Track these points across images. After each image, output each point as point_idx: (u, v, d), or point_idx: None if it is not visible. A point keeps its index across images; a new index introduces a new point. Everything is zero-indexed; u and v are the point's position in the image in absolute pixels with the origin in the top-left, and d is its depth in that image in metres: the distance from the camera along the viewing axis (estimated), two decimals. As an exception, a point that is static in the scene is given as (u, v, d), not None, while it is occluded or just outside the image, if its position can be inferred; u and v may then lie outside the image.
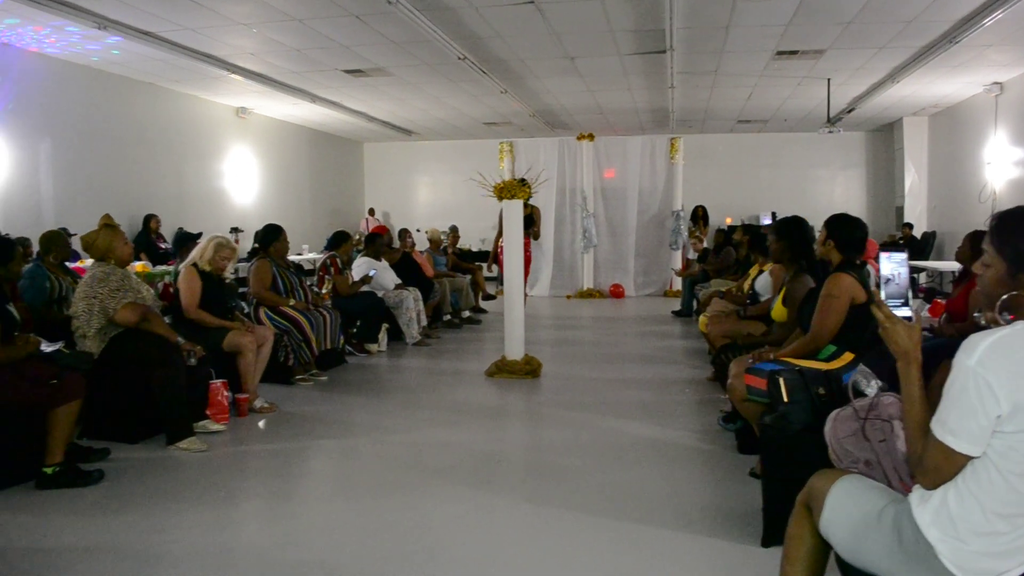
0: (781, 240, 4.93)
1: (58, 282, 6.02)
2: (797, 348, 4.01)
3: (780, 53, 10.14)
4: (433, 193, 19.66)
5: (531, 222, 8.17)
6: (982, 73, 11.52)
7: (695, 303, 11.12)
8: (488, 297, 12.40)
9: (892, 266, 2.21)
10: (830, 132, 12.46)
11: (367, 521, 3.78)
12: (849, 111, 13.93)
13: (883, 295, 2.20)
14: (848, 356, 3.89)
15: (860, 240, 4.04)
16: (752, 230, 7.55)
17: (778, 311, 4.95)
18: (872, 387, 3.43)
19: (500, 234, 8.74)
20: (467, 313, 10.92)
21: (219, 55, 10.19)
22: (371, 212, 18.52)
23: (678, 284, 14.27)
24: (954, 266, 9.40)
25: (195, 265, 5.89)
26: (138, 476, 4.45)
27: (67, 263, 6.52)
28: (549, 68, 11.04)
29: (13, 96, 9.29)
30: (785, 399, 3.45)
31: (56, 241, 6.23)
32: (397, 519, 3.80)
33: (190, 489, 4.25)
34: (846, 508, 2.18)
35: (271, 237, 7.06)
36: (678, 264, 14.28)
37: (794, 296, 4.74)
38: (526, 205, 7.94)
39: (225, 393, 5.48)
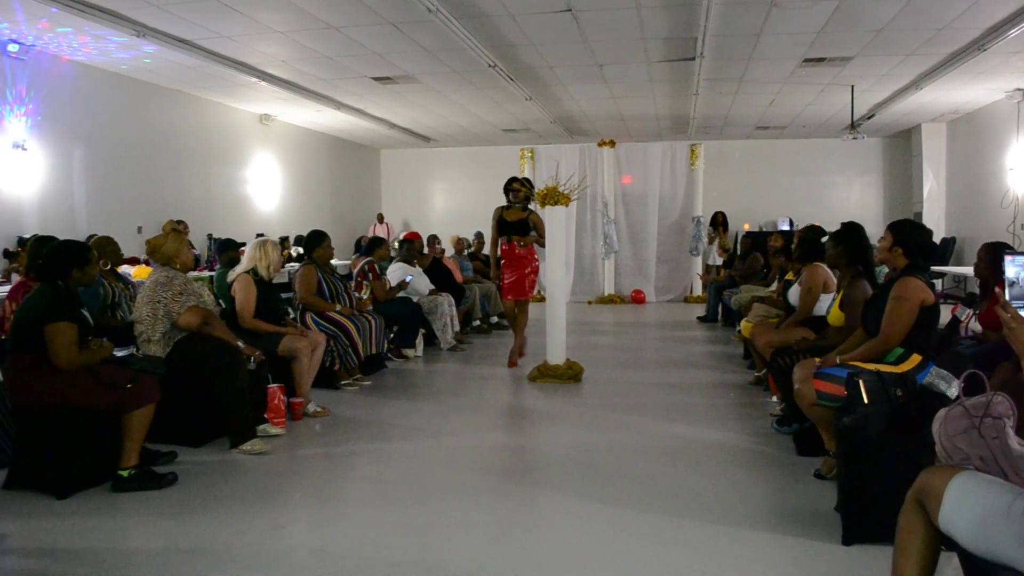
0: (839, 245, 4.99)
1: (111, 288, 6.07)
2: (865, 351, 4.06)
3: (807, 60, 10.20)
4: (450, 199, 19.67)
5: (528, 228, 7.88)
6: (1005, 79, 11.57)
7: (720, 309, 11.20)
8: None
9: (1016, 269, 2.26)
10: (854, 139, 12.53)
11: (449, 521, 3.84)
12: (869, 117, 13.98)
13: (1007, 297, 2.26)
14: (916, 358, 3.95)
15: (928, 246, 4.11)
16: (788, 236, 7.61)
17: (835, 315, 5.01)
18: (953, 389, 3.51)
19: (495, 239, 8.14)
20: (495, 318, 10.99)
21: (250, 62, 10.25)
22: (380, 218, 18.47)
23: (698, 290, 14.36)
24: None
25: (249, 272, 5.94)
26: (209, 478, 4.51)
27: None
28: (576, 75, 11.12)
29: (48, 104, 9.36)
30: (866, 401, 3.51)
31: (108, 246, 6.29)
32: (478, 519, 3.87)
33: (264, 491, 4.31)
34: (968, 503, 2.24)
35: (315, 243, 7.10)
36: (699, 270, 14.38)
37: (852, 300, 4.80)
38: (525, 209, 7.83)
39: (281, 397, 5.54)
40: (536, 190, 7.54)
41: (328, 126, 15.97)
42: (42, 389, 4.13)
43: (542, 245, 7.86)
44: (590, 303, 14.53)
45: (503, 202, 8.01)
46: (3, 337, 5.35)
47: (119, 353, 4.63)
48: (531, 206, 7.89)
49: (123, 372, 4.37)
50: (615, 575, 3.26)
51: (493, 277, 8.53)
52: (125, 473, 4.28)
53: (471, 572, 3.28)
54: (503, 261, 8.03)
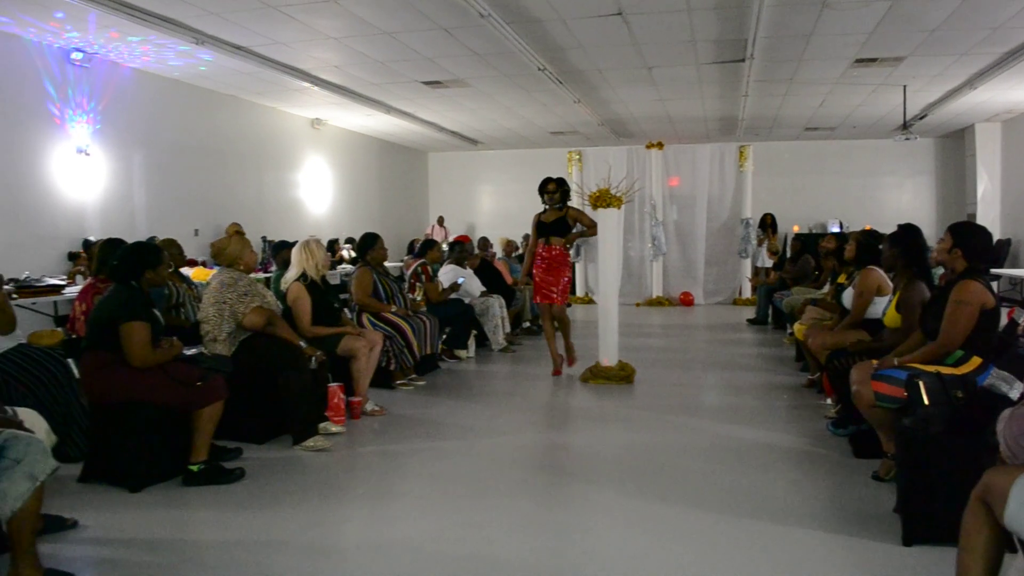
0: (895, 247, 4.97)
1: (175, 289, 6.24)
2: (925, 354, 4.05)
3: (859, 61, 10.13)
4: (497, 202, 19.80)
5: (566, 227, 7.52)
6: (1061, 78, 11.40)
7: (771, 311, 11.15)
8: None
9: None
10: (906, 139, 12.39)
11: (509, 518, 3.92)
12: (921, 117, 13.82)
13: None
14: (976, 360, 3.93)
15: (988, 249, 4.09)
16: (841, 238, 7.59)
17: (891, 317, 5.00)
18: (1016, 389, 3.51)
19: (533, 245, 7.75)
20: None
21: (304, 68, 10.46)
22: (440, 221, 18.61)
23: (747, 292, 14.29)
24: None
25: (300, 278, 6.02)
26: (274, 474, 4.64)
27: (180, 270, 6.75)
28: (625, 78, 11.16)
29: (110, 110, 9.64)
30: (926, 402, 3.52)
31: (172, 248, 6.47)
32: (537, 516, 3.95)
33: (328, 487, 4.43)
34: (1034, 502, 2.27)
35: (368, 245, 7.22)
36: (747, 272, 14.30)
37: (909, 302, 4.79)
38: (564, 206, 7.54)
39: (341, 396, 5.66)
40: (587, 192, 7.52)
41: (378, 130, 16.20)
42: (116, 386, 4.29)
43: (593, 235, 7.54)
44: (638, 305, 14.50)
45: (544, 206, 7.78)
46: (75, 335, 5.56)
47: (187, 352, 4.77)
48: (571, 202, 7.70)
49: (193, 370, 4.51)
50: (673, 574, 3.31)
51: (522, 279, 8.27)
52: (195, 468, 4.43)
53: (535, 568, 3.36)
54: (539, 264, 7.63)
